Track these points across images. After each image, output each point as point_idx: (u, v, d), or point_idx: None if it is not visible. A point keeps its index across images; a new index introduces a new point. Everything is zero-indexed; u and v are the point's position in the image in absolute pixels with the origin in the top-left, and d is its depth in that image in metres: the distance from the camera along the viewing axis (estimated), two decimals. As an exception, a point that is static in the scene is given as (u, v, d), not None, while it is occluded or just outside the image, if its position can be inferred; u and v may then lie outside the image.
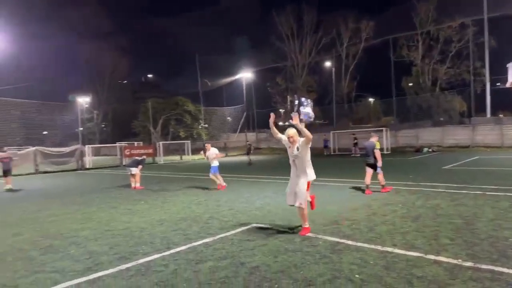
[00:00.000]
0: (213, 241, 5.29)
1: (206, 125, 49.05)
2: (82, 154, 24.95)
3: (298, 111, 5.38)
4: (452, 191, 8.86)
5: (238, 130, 50.53)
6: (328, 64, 48.05)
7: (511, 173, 12.16)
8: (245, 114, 51.09)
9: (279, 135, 5.49)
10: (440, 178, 11.36)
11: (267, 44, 49.02)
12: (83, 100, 44.69)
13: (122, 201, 9.57)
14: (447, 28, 37.10)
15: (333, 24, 44.82)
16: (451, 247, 4.54)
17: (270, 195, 9.40)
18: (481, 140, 28.25)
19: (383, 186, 9.11)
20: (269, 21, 49.42)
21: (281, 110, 48.85)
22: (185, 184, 12.73)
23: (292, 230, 5.64)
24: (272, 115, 5.52)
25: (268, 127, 5.62)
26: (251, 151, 24.12)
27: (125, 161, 24.57)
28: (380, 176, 9.12)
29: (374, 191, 9.02)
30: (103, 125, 57.39)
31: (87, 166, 24.89)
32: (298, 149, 5.21)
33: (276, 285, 3.60)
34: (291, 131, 5.25)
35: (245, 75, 49.07)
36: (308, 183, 5.29)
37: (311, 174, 5.33)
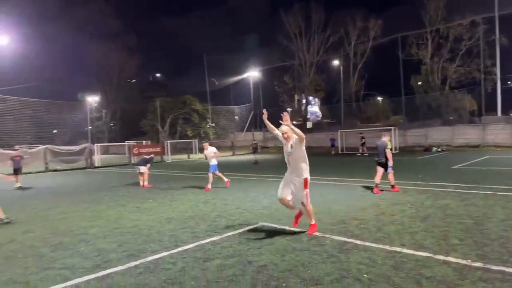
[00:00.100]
0: (221, 239, 5.31)
1: (214, 124, 49.15)
2: (91, 153, 25.17)
3: (288, 112, 5.34)
4: (461, 191, 8.75)
5: (245, 129, 50.58)
6: (336, 62, 47.84)
7: (522, 173, 11.98)
8: (252, 113, 51.13)
9: (276, 131, 5.52)
10: (450, 178, 11.23)
11: (275, 43, 48.95)
12: (92, 99, 45.20)
13: (131, 199, 9.65)
14: (457, 26, 36.62)
15: (341, 23, 44.58)
16: (461, 248, 4.49)
17: (277, 194, 9.36)
18: (491, 139, 27.83)
19: (392, 186, 9.05)
20: (276, 20, 49.18)
21: (289, 109, 48.73)
22: (193, 183, 12.79)
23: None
24: (265, 112, 5.55)
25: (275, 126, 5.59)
26: (258, 150, 24.12)
27: (134, 159, 24.73)
28: (390, 176, 9.08)
29: (383, 191, 8.97)
30: (111, 124, 57.86)
31: (96, 165, 25.11)
32: (291, 146, 5.23)
33: (284, 284, 3.60)
34: (285, 127, 5.25)
35: (253, 74, 49.08)
36: (306, 180, 5.28)
37: (306, 172, 5.32)
